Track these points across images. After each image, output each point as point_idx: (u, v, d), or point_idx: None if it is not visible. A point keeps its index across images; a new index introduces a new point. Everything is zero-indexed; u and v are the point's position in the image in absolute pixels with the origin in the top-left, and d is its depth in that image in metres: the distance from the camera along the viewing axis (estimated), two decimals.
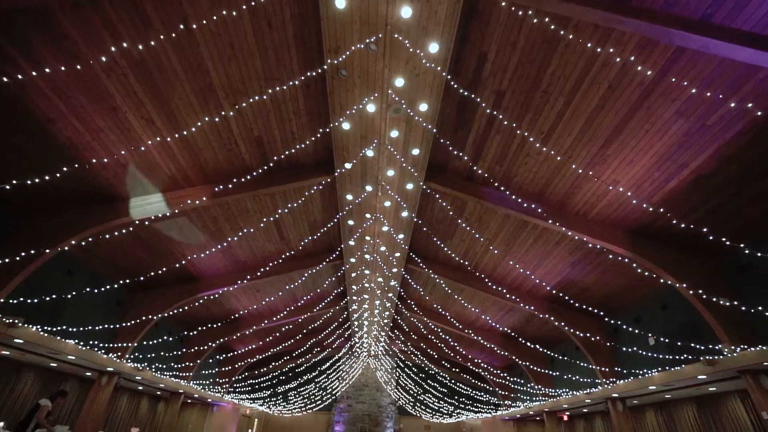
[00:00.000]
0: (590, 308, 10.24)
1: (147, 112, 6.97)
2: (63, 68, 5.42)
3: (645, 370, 9.66)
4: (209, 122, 7.39)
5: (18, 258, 6.93)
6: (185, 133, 6.80)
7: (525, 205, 8.58)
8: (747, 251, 6.52)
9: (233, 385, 19.34)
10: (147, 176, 8.19)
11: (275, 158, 8.29)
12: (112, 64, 6.10)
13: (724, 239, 6.46)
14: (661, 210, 7.12)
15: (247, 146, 8.19)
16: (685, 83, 5.59)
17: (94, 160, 6.81)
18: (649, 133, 6.82)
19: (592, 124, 7.09)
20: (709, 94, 5.29)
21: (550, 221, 8.46)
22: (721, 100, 5.90)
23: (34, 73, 5.54)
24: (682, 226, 6.88)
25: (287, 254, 11.75)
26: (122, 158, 7.66)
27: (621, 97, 6.49)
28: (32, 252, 7.06)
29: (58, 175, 6.09)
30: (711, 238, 6.56)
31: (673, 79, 5.41)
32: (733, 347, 7.35)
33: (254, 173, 8.08)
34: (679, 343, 8.69)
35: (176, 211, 8.55)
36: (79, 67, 5.44)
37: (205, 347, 14.82)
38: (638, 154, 7.23)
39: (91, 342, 10.05)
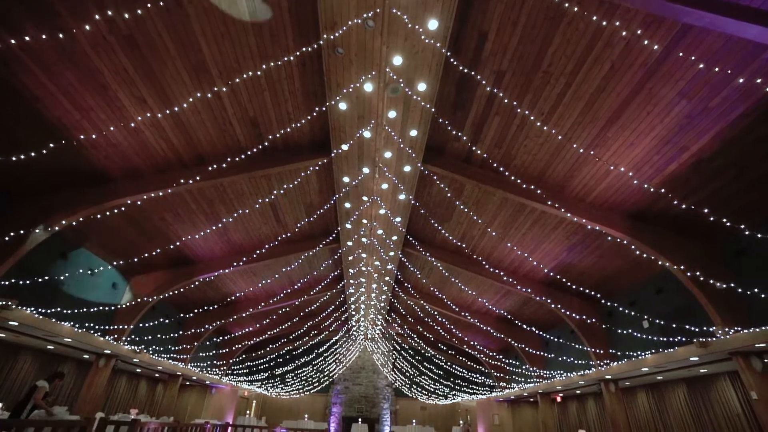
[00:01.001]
0: (587, 290, 10.30)
1: (138, 90, 6.78)
2: (45, 37, 5.21)
3: (639, 352, 9.79)
4: (203, 102, 7.22)
5: (7, 238, 6.81)
6: (176, 109, 6.60)
7: (524, 186, 8.52)
8: (746, 233, 6.51)
9: (231, 367, 19.52)
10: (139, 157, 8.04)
11: (271, 138, 8.13)
12: (100, 39, 5.89)
13: (724, 220, 6.44)
14: (662, 190, 7.07)
15: (241, 127, 8.02)
16: (692, 61, 5.47)
17: (82, 137, 6.63)
18: (651, 115, 6.72)
19: (593, 106, 6.97)
20: (717, 69, 5.17)
21: (549, 203, 8.41)
22: (725, 82, 5.81)
23: (13, 41, 5.31)
24: (683, 207, 6.84)
25: (283, 236, 11.70)
26: (113, 138, 7.50)
27: (623, 78, 6.36)
28: (21, 232, 6.95)
29: (44, 151, 5.92)
30: (712, 219, 6.53)
31: (681, 54, 5.29)
32: (726, 329, 7.42)
33: (249, 153, 7.95)
34: (674, 325, 8.77)
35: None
36: (62, 36, 5.22)
37: (202, 330, 14.88)
38: (639, 137, 7.14)
39: (87, 324, 10.03)
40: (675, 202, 6.96)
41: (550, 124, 7.42)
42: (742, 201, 7.41)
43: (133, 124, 7.03)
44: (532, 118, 7.09)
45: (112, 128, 6.78)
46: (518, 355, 16.38)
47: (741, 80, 5.26)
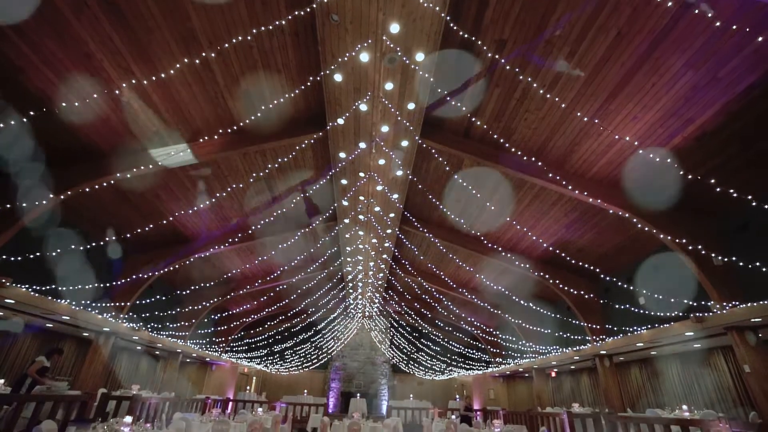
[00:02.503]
0: (585, 265, 10.29)
1: (124, 60, 6.50)
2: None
3: (635, 328, 9.87)
4: (193, 74, 6.96)
5: None
6: (164, 76, 6.35)
7: (525, 159, 8.36)
8: (752, 206, 6.40)
9: (230, 344, 19.73)
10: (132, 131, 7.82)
11: (264, 111, 7.89)
12: (81, 5, 5.59)
13: (731, 191, 6.34)
14: (668, 160, 6.94)
15: (234, 100, 7.77)
16: (701, 29, 5.26)
17: (63, 104, 6.38)
18: (656, 86, 6.52)
19: (596, 77, 6.75)
20: (734, 27, 4.97)
21: (550, 175, 8.28)
22: (734, 52, 5.60)
23: None
24: (689, 176, 6.74)
25: (279, 213, 11.54)
26: (102, 112, 7.26)
27: (629, 46, 6.12)
28: (8, 206, 6.80)
29: (24, 120, 5.70)
30: (718, 189, 6.42)
31: (696, 12, 5.06)
32: (724, 303, 7.44)
33: (242, 126, 7.72)
34: (672, 300, 8.79)
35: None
36: None
37: (200, 307, 14.93)
38: (643, 110, 6.96)
39: (84, 302, 9.98)
40: (681, 173, 6.83)
41: (551, 97, 7.20)
42: (745, 175, 7.29)
43: (118, 91, 6.76)
44: (534, 86, 6.88)
45: (95, 96, 6.52)
46: (514, 331, 16.57)
47: (759, 39, 5.05)
